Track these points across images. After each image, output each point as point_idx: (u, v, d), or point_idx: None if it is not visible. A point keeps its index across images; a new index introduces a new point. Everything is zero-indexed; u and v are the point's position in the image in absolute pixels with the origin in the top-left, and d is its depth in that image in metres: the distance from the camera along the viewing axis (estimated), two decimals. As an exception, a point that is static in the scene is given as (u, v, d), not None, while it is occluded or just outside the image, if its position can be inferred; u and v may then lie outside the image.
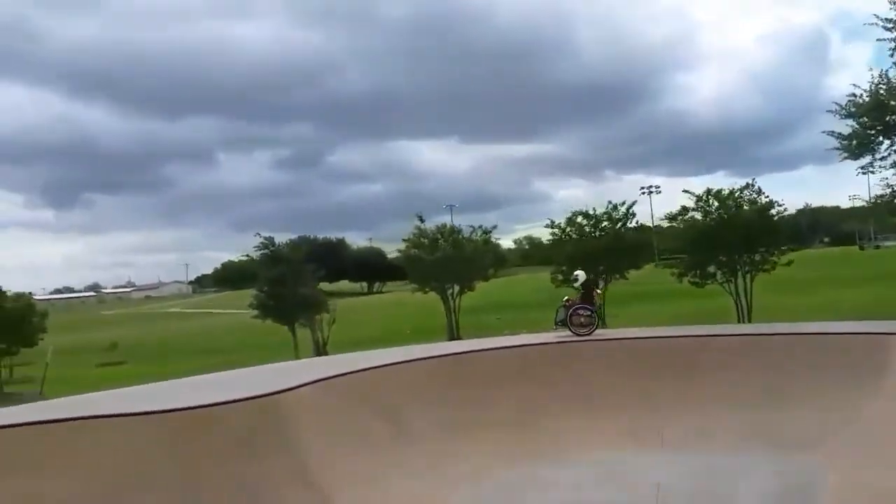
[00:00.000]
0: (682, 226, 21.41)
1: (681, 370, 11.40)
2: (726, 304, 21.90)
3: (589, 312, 12.39)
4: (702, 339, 12.53)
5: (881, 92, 21.39)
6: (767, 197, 21.59)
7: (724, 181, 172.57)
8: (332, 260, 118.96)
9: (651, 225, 26.67)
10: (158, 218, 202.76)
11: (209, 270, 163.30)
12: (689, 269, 20.95)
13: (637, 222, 24.04)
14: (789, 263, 20.71)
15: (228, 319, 70.85)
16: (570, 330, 12.21)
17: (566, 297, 12.85)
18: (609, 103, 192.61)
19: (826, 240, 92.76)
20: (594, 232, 23.25)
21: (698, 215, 20.71)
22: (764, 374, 10.81)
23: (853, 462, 8.09)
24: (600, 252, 22.65)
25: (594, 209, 23.40)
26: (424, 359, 11.60)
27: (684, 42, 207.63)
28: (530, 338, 13.96)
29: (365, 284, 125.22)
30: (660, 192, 71.51)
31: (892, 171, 22.75)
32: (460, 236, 26.28)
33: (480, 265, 26.54)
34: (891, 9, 18.63)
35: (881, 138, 22.37)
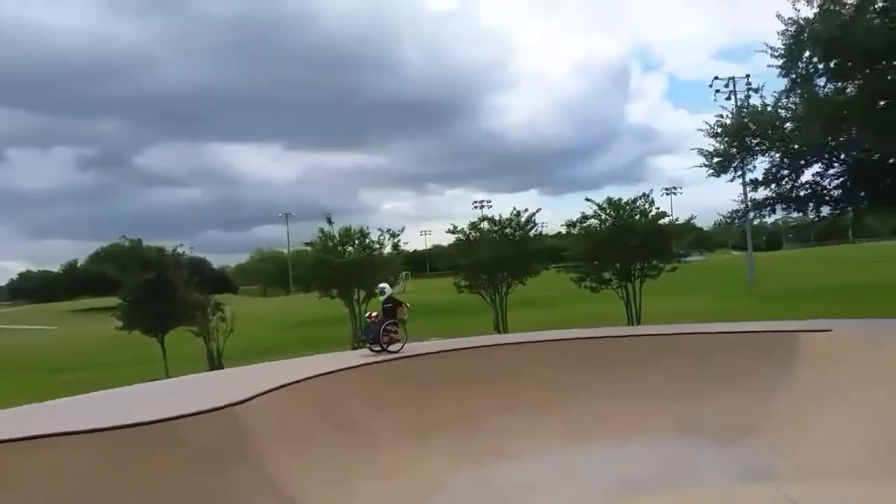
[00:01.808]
0: (579, 233, 23.05)
1: (601, 369, 12.49)
2: (614, 308, 23.96)
3: (395, 329, 12.28)
4: (618, 340, 13.82)
5: (743, 116, 24.89)
6: (658, 208, 24.07)
7: (536, 199, 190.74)
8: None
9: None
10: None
11: (1, 281, 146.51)
12: (587, 274, 22.61)
13: (538, 230, 25.48)
14: (673, 270, 23.12)
15: (45, 335, 64.00)
16: (379, 348, 12.00)
17: (369, 313, 12.81)
18: (433, 119, 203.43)
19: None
20: (496, 237, 24.29)
21: (595, 222, 22.48)
22: (682, 371, 12.14)
23: (788, 444, 9.38)
24: (507, 257, 23.76)
25: (500, 215, 24.58)
26: (364, 365, 11.76)
27: (501, 64, 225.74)
28: (457, 342, 14.52)
29: None
30: (491, 206, 78.87)
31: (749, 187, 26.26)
32: (368, 240, 26.17)
33: (391, 270, 26.63)
34: (780, 39, 21.62)
35: (740, 158, 25.92)
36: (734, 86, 49.12)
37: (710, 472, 9.21)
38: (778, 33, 22.95)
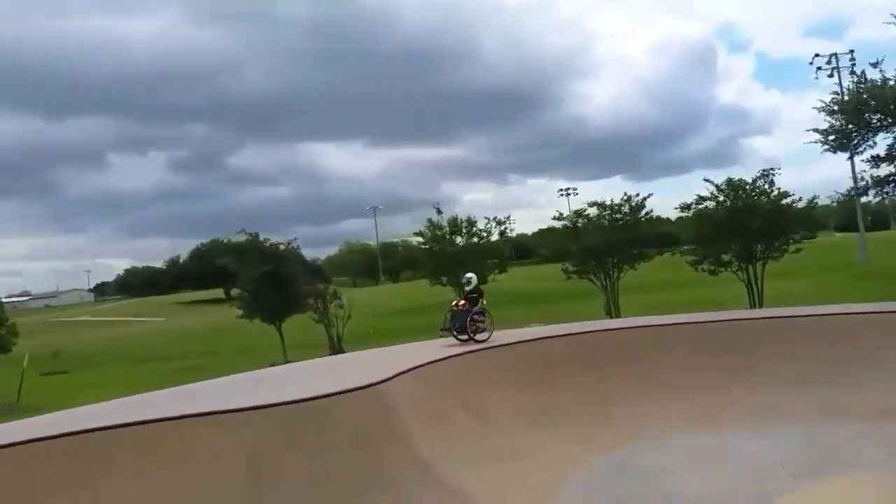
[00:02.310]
0: (695, 215, 22.59)
1: (737, 352, 12.21)
2: (736, 292, 23.38)
3: (483, 318, 12.20)
4: (755, 322, 13.49)
5: (862, 92, 23.77)
6: (780, 188, 23.19)
7: (620, 185, 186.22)
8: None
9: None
10: (47, 224, 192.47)
11: (106, 277, 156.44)
12: (704, 257, 22.16)
13: (649, 215, 25.11)
14: (798, 251, 22.33)
15: (154, 326, 68.35)
16: (466, 337, 11.88)
17: (454, 301, 12.67)
18: (513, 109, 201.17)
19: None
20: (606, 222, 24.20)
21: (711, 204, 21.97)
22: (823, 354, 11.72)
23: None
24: (618, 242, 23.65)
25: (611, 199, 24.44)
26: (493, 347, 11.96)
27: (582, 51, 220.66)
28: (574, 326, 14.57)
29: None
30: (577, 193, 78.11)
31: (869, 164, 25.16)
32: (476, 228, 26.65)
33: (499, 257, 27.04)
34: None
35: (859, 135, 24.81)
36: (837, 62, 46.58)
37: (862, 456, 8.91)
38: None
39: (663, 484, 8.39)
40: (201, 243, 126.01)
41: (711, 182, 21.81)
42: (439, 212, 27.78)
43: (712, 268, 21.88)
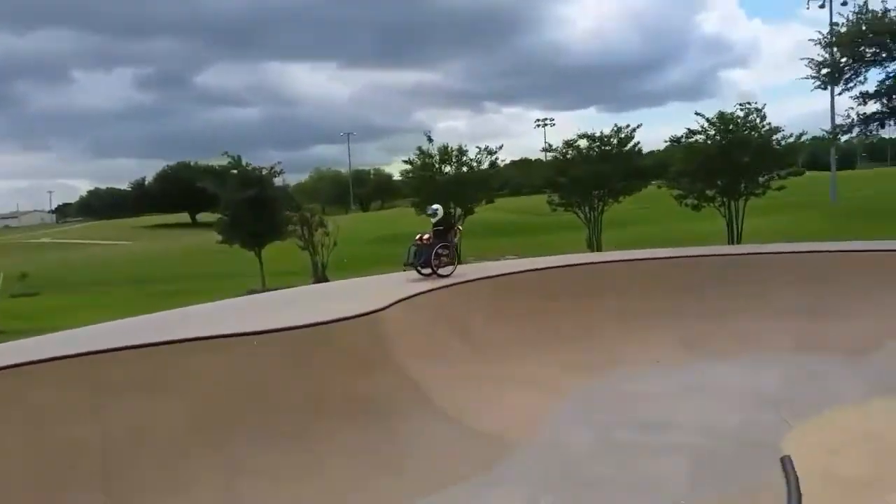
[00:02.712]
0: (683, 148, 22.68)
1: (718, 286, 12.64)
2: (715, 227, 23.83)
3: (448, 252, 11.98)
4: (729, 258, 13.93)
5: (861, 22, 23.54)
6: (770, 123, 23.26)
7: (595, 117, 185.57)
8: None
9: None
10: (6, 140, 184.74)
11: (68, 199, 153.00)
12: (690, 191, 22.39)
13: (638, 147, 25.16)
14: (780, 189, 22.66)
15: (121, 249, 67.60)
16: (430, 272, 11.72)
17: (419, 235, 12.09)
18: (491, 32, 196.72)
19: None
20: (595, 153, 24.19)
21: (701, 138, 22.05)
22: (800, 289, 12.20)
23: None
24: (608, 174, 23.72)
25: (601, 131, 24.32)
26: (475, 280, 12.20)
27: None
28: (561, 259, 14.89)
29: None
30: (554, 124, 76.99)
31: (857, 101, 25.22)
32: (466, 158, 26.52)
33: (489, 187, 27.05)
34: None
35: (851, 68, 24.74)
36: None
37: (839, 387, 9.36)
38: None
39: (642, 410, 8.80)
40: (168, 165, 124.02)
41: (702, 115, 21.91)
42: (430, 139, 27.75)
43: (696, 202, 22.15)
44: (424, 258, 11.72)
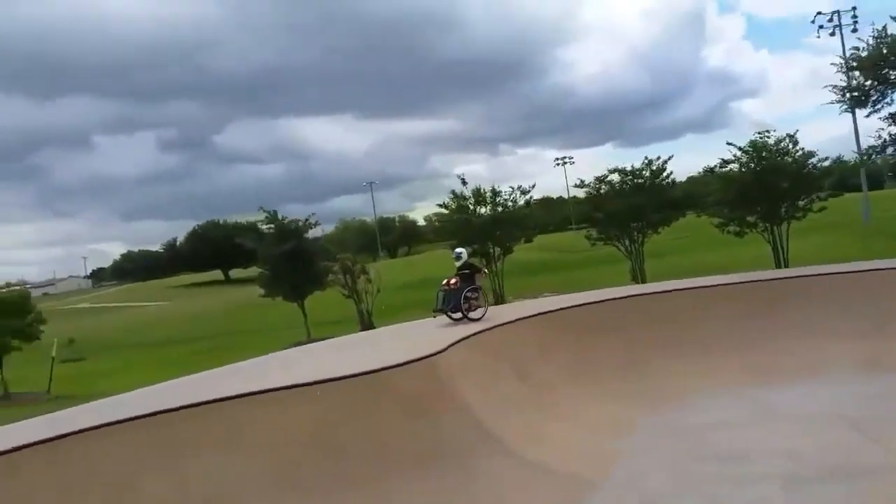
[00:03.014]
0: (720, 178, 22.77)
1: (774, 310, 12.46)
2: (759, 252, 23.66)
3: (476, 294, 11.90)
4: (780, 282, 13.74)
5: (882, 46, 23.95)
6: (803, 148, 23.08)
7: (612, 153, 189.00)
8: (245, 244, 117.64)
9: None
10: (36, 210, 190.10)
11: (102, 263, 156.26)
12: (730, 219, 22.39)
13: (671, 178, 25.30)
14: (821, 210, 22.53)
15: (160, 310, 68.62)
16: (461, 316, 11.57)
17: (445, 280, 11.97)
18: (501, 78, 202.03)
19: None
20: (627, 187, 24.38)
21: (735, 167, 22.15)
22: (860, 309, 11.96)
23: None
24: (642, 206, 23.87)
25: (632, 165, 24.59)
26: (539, 315, 12.19)
27: (568, 17, 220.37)
28: (609, 292, 14.81)
29: None
30: (573, 162, 79.83)
31: (887, 122, 25.38)
32: (501, 198, 26.85)
33: (526, 227, 27.27)
34: None
35: (877, 91, 25.00)
36: (839, 20, 46.56)
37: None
38: None
39: (715, 441, 8.60)
40: (198, 224, 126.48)
41: (734, 144, 22.02)
42: (464, 182, 28.11)
43: (738, 229, 22.09)
44: (454, 303, 11.64)
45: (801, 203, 21.21)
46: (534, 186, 27.55)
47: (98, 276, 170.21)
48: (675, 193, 25.57)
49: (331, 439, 7.80)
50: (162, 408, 7.63)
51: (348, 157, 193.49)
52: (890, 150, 26.58)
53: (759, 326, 12.16)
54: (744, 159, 21.59)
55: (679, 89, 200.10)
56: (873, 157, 26.55)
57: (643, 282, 23.12)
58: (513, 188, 27.18)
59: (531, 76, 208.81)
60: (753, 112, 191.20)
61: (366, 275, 26.24)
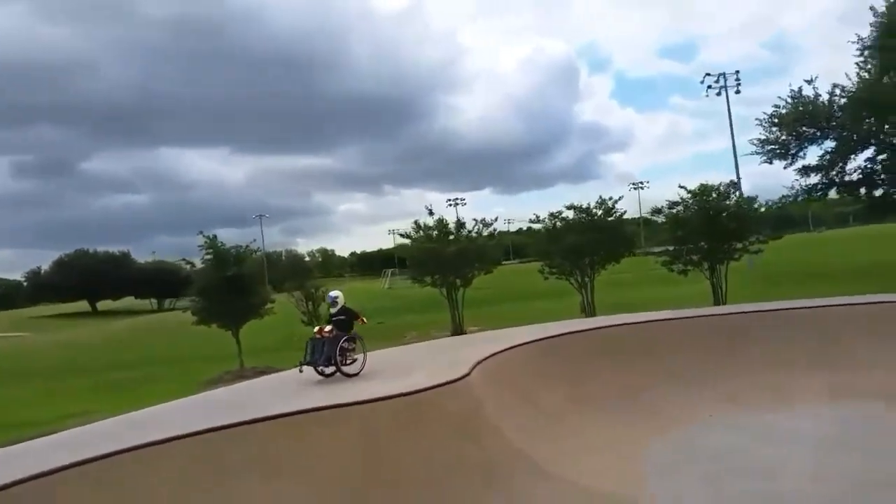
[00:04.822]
0: (668, 218, 24.34)
1: (740, 342, 13.47)
2: (698, 289, 25.37)
3: (353, 346, 10.56)
4: (754, 315, 14.82)
5: (800, 107, 27.55)
6: (741, 194, 25.87)
7: (490, 198, 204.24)
8: (116, 275, 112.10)
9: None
10: None
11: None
12: (675, 258, 23.85)
13: (623, 216, 26.78)
14: (758, 252, 24.55)
15: (33, 341, 63.27)
16: (333, 370, 10.20)
17: (318, 327, 10.64)
18: (385, 120, 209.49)
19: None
20: (583, 222, 25.56)
21: (680, 209, 23.81)
22: (815, 342, 13.13)
23: None
24: (598, 241, 25.09)
25: (588, 203, 25.83)
26: (526, 344, 12.57)
27: (454, 65, 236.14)
28: (589, 322, 15.49)
29: (154, 301, 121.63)
30: (465, 204, 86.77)
31: (799, 175, 29.29)
32: (466, 230, 27.35)
33: (489, 258, 27.84)
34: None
35: (795, 145, 28.68)
36: (725, 81, 52.59)
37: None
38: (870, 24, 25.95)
39: (736, 460, 9.16)
40: (64, 254, 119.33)
41: (685, 188, 23.89)
42: (431, 213, 29.03)
43: (684, 268, 23.67)
44: (326, 355, 10.07)
45: (741, 245, 23.13)
46: (496, 219, 28.95)
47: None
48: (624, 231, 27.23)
49: (376, 461, 7.82)
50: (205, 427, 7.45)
51: (224, 189, 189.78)
52: (800, 198, 30.81)
53: (732, 357, 13.03)
54: (690, 202, 23.33)
55: (554, 139, 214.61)
56: (785, 202, 30.84)
57: (594, 314, 24.17)
58: (476, 220, 28.20)
59: (416, 118, 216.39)
60: (619, 164, 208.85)
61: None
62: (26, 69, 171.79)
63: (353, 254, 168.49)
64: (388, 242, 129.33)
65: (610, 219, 25.64)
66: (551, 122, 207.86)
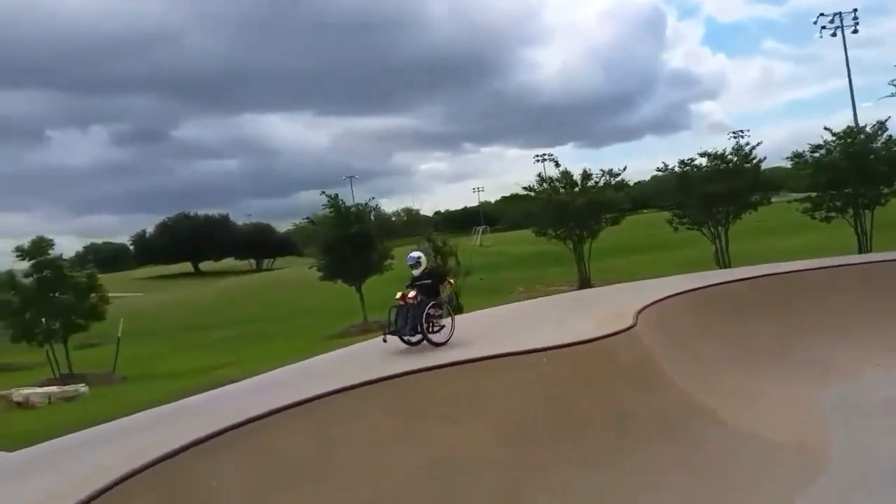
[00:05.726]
0: (811, 163, 23.28)
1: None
2: (832, 237, 24.32)
3: (440, 312, 9.77)
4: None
5: None
6: (892, 135, 23.32)
7: (572, 153, 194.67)
8: (217, 237, 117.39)
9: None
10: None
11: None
12: (818, 204, 22.93)
13: (759, 161, 25.79)
14: None
15: (149, 300, 67.54)
16: (420, 338, 9.50)
17: (400, 293, 9.70)
18: (463, 78, 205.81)
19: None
20: (718, 168, 24.92)
21: (822, 153, 22.78)
22: None
23: None
24: (736, 188, 24.41)
25: (724, 149, 25.09)
26: (685, 292, 12.44)
27: (531, 18, 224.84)
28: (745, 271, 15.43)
29: (253, 262, 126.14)
30: (553, 159, 79.25)
31: None
32: (592, 182, 27.43)
33: (618, 209, 28.01)
34: None
35: None
36: (841, 21, 48.66)
37: None
38: None
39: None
40: (168, 217, 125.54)
41: (829, 130, 22.69)
42: (557, 164, 29.14)
43: (830, 214, 22.69)
44: (413, 323, 9.41)
45: (887, 190, 21.88)
46: (625, 169, 28.44)
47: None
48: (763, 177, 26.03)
49: (562, 407, 8.06)
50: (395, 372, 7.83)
51: (310, 152, 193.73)
52: None
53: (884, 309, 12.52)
54: (834, 145, 22.24)
55: (639, 91, 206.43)
56: None
57: (728, 265, 23.61)
58: (603, 171, 27.94)
59: (492, 75, 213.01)
60: (712, 113, 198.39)
61: (455, 258, 26.43)
62: (120, 42, 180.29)
63: (437, 212, 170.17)
64: (472, 200, 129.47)
65: (747, 165, 24.71)
66: (636, 72, 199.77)
